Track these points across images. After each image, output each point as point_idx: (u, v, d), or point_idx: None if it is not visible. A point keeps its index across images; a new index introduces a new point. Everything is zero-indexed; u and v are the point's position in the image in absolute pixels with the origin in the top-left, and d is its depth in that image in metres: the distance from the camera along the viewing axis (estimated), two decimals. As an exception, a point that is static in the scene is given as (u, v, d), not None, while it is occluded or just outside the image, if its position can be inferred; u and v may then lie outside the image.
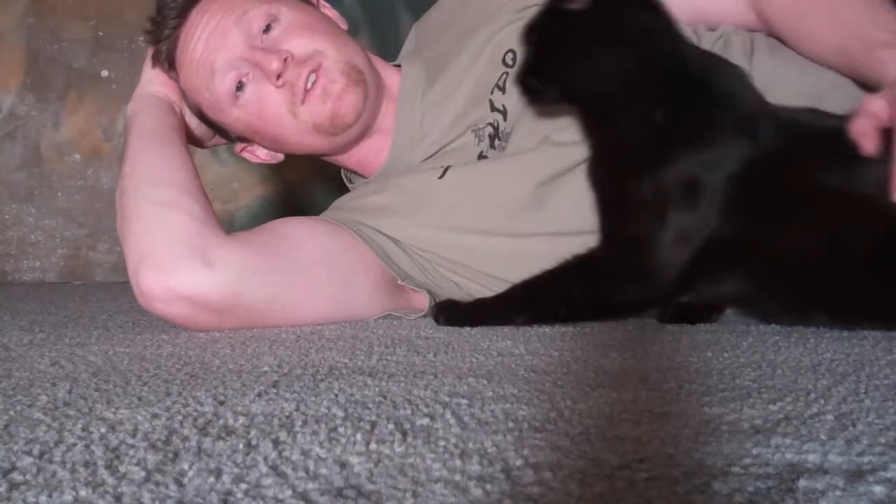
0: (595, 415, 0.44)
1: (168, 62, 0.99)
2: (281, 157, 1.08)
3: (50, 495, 0.33)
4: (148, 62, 1.01)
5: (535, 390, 0.51)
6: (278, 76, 0.94)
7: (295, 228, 0.94)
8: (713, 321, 0.86)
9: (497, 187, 0.96)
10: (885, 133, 0.70)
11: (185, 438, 0.41)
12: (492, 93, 1.00)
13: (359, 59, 1.00)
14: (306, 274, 0.90)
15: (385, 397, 0.50)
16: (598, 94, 0.84)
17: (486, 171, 0.98)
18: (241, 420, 0.44)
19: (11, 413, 0.47)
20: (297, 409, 0.47)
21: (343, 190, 1.16)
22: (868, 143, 0.70)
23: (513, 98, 0.98)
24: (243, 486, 0.33)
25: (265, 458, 0.37)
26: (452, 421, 0.43)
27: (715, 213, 0.76)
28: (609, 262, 0.81)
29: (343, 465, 0.36)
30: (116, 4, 2.12)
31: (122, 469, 0.36)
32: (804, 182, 0.74)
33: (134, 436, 0.41)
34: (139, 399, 0.51)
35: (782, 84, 0.89)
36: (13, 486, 0.34)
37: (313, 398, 0.50)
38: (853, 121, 0.72)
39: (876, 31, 0.81)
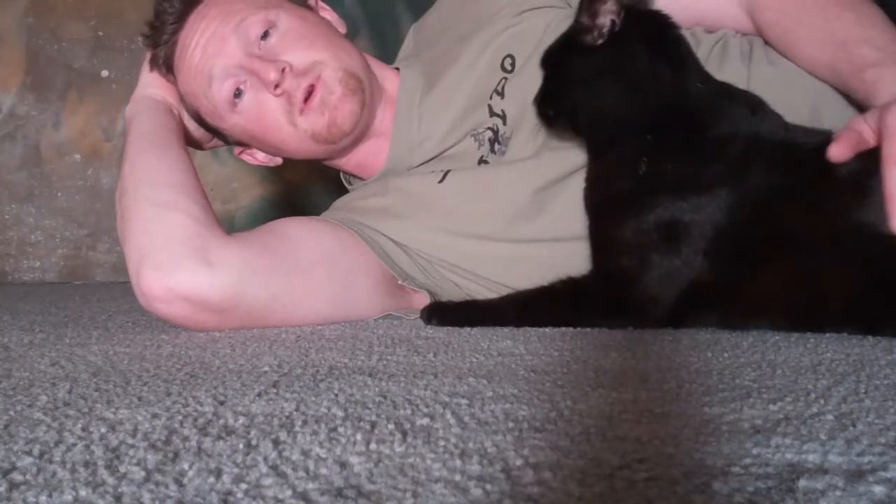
0: (595, 415, 0.44)
1: (166, 66, 0.99)
2: (279, 160, 1.08)
3: (50, 495, 0.33)
4: (146, 65, 1.01)
5: (535, 390, 0.51)
6: (276, 86, 0.94)
7: (295, 228, 0.94)
8: None
9: (496, 193, 0.96)
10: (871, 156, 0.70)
11: (185, 438, 0.41)
12: (490, 98, 0.99)
13: (357, 66, 1.00)
14: (307, 274, 0.90)
15: (385, 397, 0.50)
16: (596, 130, 0.86)
17: (485, 176, 0.98)
18: (241, 420, 0.44)
19: (11, 413, 0.47)
20: (297, 409, 0.47)
21: (343, 190, 1.16)
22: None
23: (512, 103, 0.98)
24: (243, 486, 0.33)
25: (265, 458, 0.37)
26: (452, 421, 0.43)
27: (699, 257, 0.75)
28: (597, 293, 0.82)
29: (343, 465, 0.36)
30: (116, 4, 2.12)
31: (122, 469, 0.36)
32: (789, 225, 0.73)
33: (134, 436, 0.41)
34: (139, 399, 0.51)
35: (780, 88, 0.89)
36: (13, 486, 0.34)
37: (313, 398, 0.50)
38: (835, 141, 0.71)
39: (864, 50, 0.81)
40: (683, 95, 0.82)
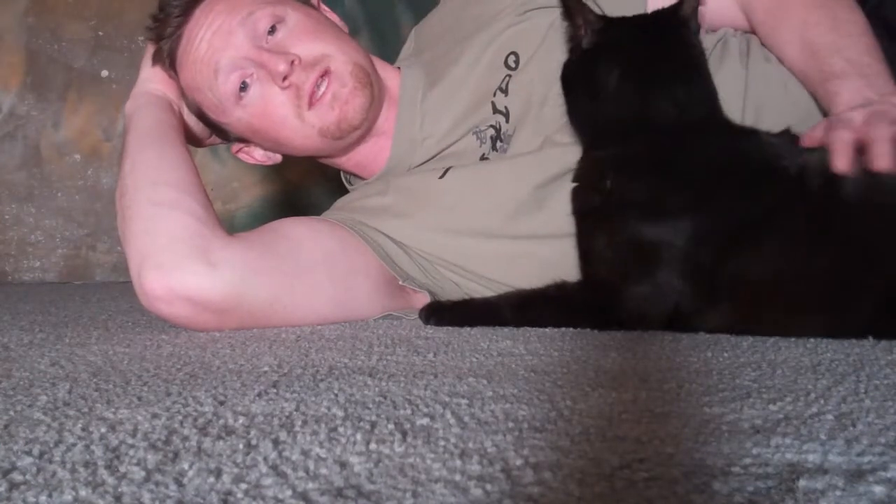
0: (595, 415, 0.44)
1: (169, 60, 0.99)
2: (278, 158, 1.07)
3: (50, 495, 0.33)
4: (147, 60, 1.01)
5: (535, 390, 0.51)
6: (284, 78, 0.94)
7: (296, 229, 0.94)
8: None
9: (497, 188, 0.96)
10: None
11: (185, 438, 0.41)
12: (494, 95, 1.00)
13: (364, 61, 1.00)
14: (307, 274, 0.90)
15: (385, 397, 0.50)
16: (576, 133, 0.88)
17: (485, 171, 0.98)
18: (241, 420, 0.44)
19: (11, 413, 0.47)
20: (297, 409, 0.47)
21: (343, 190, 1.16)
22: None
23: (515, 100, 0.98)
24: (243, 486, 0.33)
25: (265, 458, 0.37)
26: (452, 421, 0.43)
27: (677, 281, 0.75)
28: (587, 302, 0.82)
29: (343, 465, 0.36)
30: (116, 4, 2.12)
31: (122, 469, 0.36)
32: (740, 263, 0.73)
33: (134, 436, 0.41)
34: (139, 399, 0.51)
35: (778, 84, 0.90)
36: (13, 486, 0.34)
37: (313, 398, 0.50)
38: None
39: (833, 60, 0.82)
40: (648, 117, 0.81)
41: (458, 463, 0.36)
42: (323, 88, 0.96)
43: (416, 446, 0.39)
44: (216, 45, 0.95)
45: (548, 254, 0.93)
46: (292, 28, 0.97)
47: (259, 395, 0.51)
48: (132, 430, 0.43)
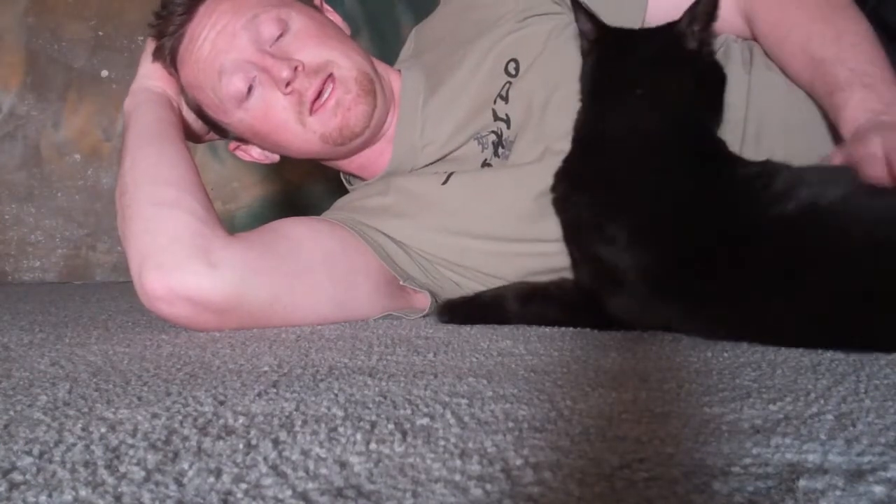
0: (595, 415, 0.44)
1: (171, 57, 0.99)
2: (276, 157, 1.07)
3: (50, 495, 0.33)
4: (147, 56, 1.01)
5: (535, 390, 0.51)
6: (287, 84, 0.94)
7: (296, 229, 0.94)
8: None
9: (499, 196, 0.96)
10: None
11: (185, 438, 0.41)
12: (494, 102, 0.99)
13: (369, 67, 1.00)
14: (308, 274, 0.89)
15: (385, 397, 0.50)
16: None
17: (488, 179, 0.98)
18: (241, 420, 0.44)
19: (11, 413, 0.47)
20: (297, 409, 0.47)
21: (343, 190, 1.16)
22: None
23: (516, 107, 0.98)
24: (243, 486, 0.33)
25: (265, 458, 0.37)
26: (452, 421, 0.43)
27: (645, 295, 0.74)
28: (582, 304, 0.82)
29: (343, 465, 0.36)
30: (116, 4, 2.12)
31: (122, 469, 0.36)
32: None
33: (134, 436, 0.41)
34: (139, 399, 0.51)
35: (781, 92, 0.89)
36: (13, 486, 0.34)
37: (313, 398, 0.50)
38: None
39: (837, 70, 0.81)
40: (600, 132, 0.81)
41: (458, 463, 0.36)
42: (327, 94, 0.96)
43: (416, 446, 0.39)
44: (220, 47, 0.95)
45: (553, 253, 0.93)
46: (296, 33, 0.96)
47: (259, 395, 0.51)
48: (132, 430, 0.43)
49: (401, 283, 0.96)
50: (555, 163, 0.94)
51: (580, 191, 0.80)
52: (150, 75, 1.00)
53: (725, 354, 0.63)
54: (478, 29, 1.03)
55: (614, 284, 0.75)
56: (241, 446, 0.39)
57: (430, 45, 1.11)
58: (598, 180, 0.79)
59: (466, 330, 0.83)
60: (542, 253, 0.94)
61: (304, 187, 2.17)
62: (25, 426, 0.44)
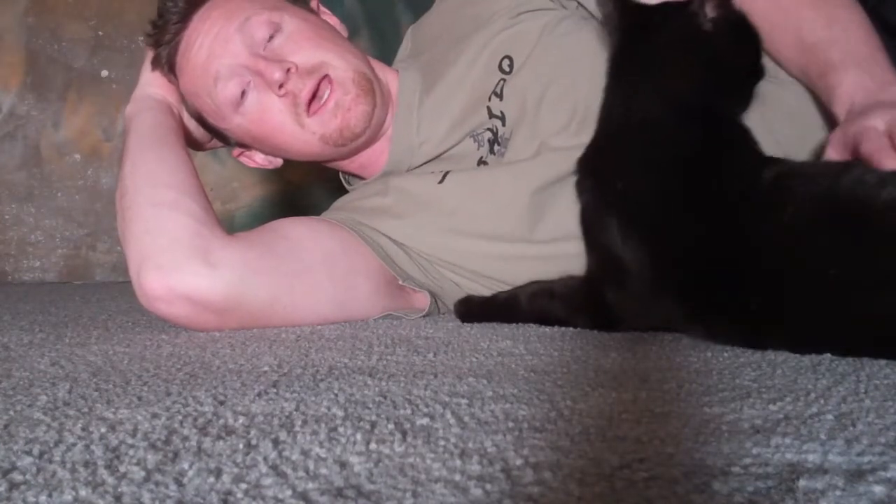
0: (595, 415, 0.44)
1: (168, 66, 0.99)
2: (279, 162, 1.07)
3: (50, 495, 0.33)
4: (147, 64, 1.01)
5: (535, 390, 0.51)
6: (280, 86, 0.94)
7: (296, 229, 0.94)
8: None
9: (496, 194, 0.96)
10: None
11: (185, 438, 0.41)
12: (489, 100, 0.99)
13: (365, 67, 1.00)
14: (307, 274, 0.90)
15: (385, 397, 0.50)
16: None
17: (484, 177, 0.98)
18: (241, 420, 0.44)
19: (11, 413, 0.47)
20: (297, 409, 0.47)
21: (343, 190, 1.16)
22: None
23: (511, 104, 0.98)
24: (243, 486, 0.33)
25: (265, 458, 0.37)
26: (452, 421, 0.43)
27: (657, 296, 0.72)
28: (586, 300, 0.81)
29: (343, 465, 0.36)
30: (116, 4, 2.12)
31: (122, 469, 0.36)
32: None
33: (134, 436, 0.41)
34: (139, 399, 0.51)
35: (779, 90, 0.89)
36: (13, 486, 0.34)
37: (313, 398, 0.50)
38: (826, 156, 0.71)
39: (830, 53, 0.80)
40: (610, 119, 0.79)
41: (458, 463, 0.36)
42: (326, 96, 0.96)
43: (416, 446, 0.39)
44: (215, 52, 0.96)
45: (550, 255, 0.93)
46: (289, 34, 0.97)
47: (259, 395, 0.51)
48: (132, 430, 0.43)
49: (400, 282, 0.96)
50: (550, 159, 0.94)
51: (590, 177, 0.79)
52: (151, 83, 1.00)
53: (725, 354, 0.63)
54: (473, 25, 1.04)
55: (615, 276, 0.75)
56: (241, 446, 0.39)
57: (426, 44, 1.11)
58: (604, 167, 0.78)
59: (466, 330, 0.83)
60: (538, 256, 0.94)
61: (304, 187, 2.17)
62: (25, 426, 0.44)
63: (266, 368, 0.61)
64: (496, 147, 0.99)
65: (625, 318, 0.77)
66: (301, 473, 0.35)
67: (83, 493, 0.33)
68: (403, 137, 1.03)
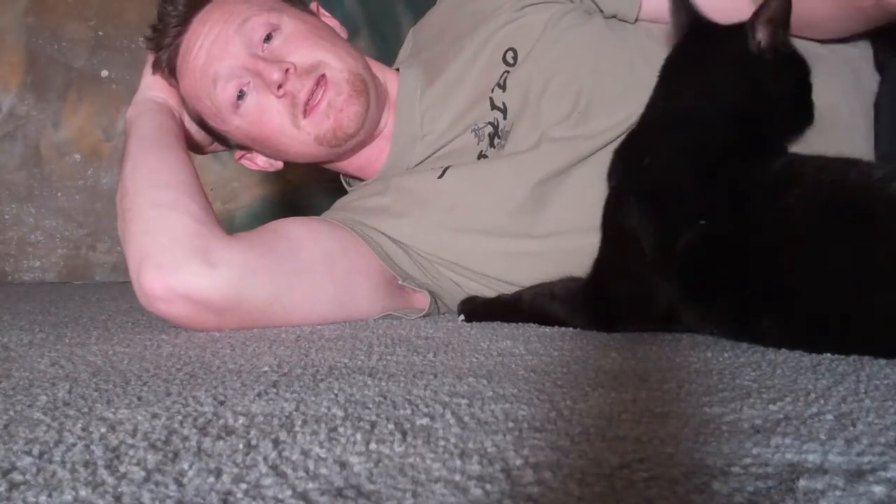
0: (595, 415, 0.44)
1: (169, 69, 0.99)
2: (280, 164, 1.08)
3: (50, 495, 0.33)
4: (148, 68, 1.01)
5: (535, 390, 0.51)
6: (279, 86, 0.94)
7: (296, 229, 0.94)
8: None
9: (496, 187, 0.96)
10: None
11: (185, 438, 0.41)
12: (492, 91, 1.00)
13: (361, 68, 1.00)
14: (307, 274, 0.90)
15: (385, 397, 0.50)
16: None
17: (484, 171, 0.98)
18: (241, 420, 0.44)
19: (11, 413, 0.47)
20: (297, 409, 0.47)
21: (343, 190, 1.16)
22: None
23: (513, 95, 0.98)
24: (243, 486, 0.33)
25: (265, 458, 0.37)
26: (452, 421, 0.43)
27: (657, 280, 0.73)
28: (586, 300, 0.82)
29: (343, 465, 0.36)
30: (116, 4, 2.12)
31: (122, 469, 0.36)
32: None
33: (134, 436, 0.41)
34: (139, 399, 0.51)
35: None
36: (13, 486, 0.34)
37: (313, 398, 0.50)
38: None
39: None
40: (648, 115, 0.81)
41: (458, 463, 0.36)
42: (319, 96, 0.96)
43: (416, 446, 0.39)
44: (214, 55, 0.96)
45: (549, 252, 0.93)
46: (288, 35, 0.97)
47: (259, 395, 0.51)
48: (132, 430, 0.43)
49: (400, 282, 0.96)
50: (551, 149, 0.95)
51: (620, 161, 0.80)
52: (152, 86, 1.00)
53: (725, 354, 0.63)
54: (474, 21, 1.04)
55: (623, 254, 0.76)
56: (241, 446, 0.39)
57: (427, 43, 1.11)
58: (636, 150, 0.79)
59: (466, 330, 0.83)
60: (538, 252, 0.94)
61: (304, 187, 2.17)
62: (25, 426, 0.44)
63: (266, 368, 0.61)
64: (496, 140, 0.99)
65: (623, 312, 0.78)
66: (301, 473, 0.35)
67: (83, 493, 0.33)
68: (406, 131, 1.03)
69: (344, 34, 1.07)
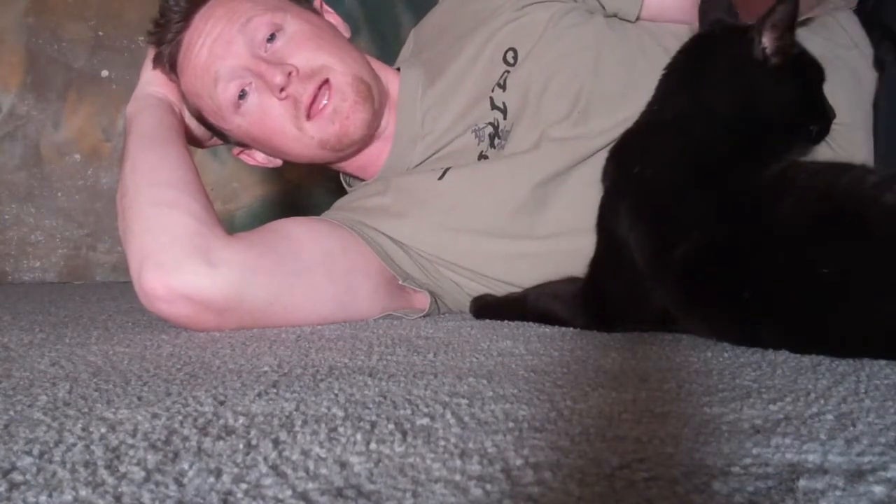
0: (595, 415, 0.44)
1: (170, 65, 0.99)
2: (279, 161, 1.08)
3: (50, 495, 0.33)
4: (148, 63, 1.01)
5: (535, 390, 0.51)
6: (281, 89, 0.94)
7: (296, 229, 0.94)
8: None
9: (496, 187, 0.96)
10: None
11: (185, 438, 0.41)
12: (492, 91, 1.00)
13: (364, 72, 1.00)
14: (308, 274, 0.90)
15: (385, 397, 0.50)
16: None
17: (484, 171, 0.98)
18: (241, 420, 0.44)
19: (11, 413, 0.47)
20: (297, 409, 0.47)
21: (343, 190, 1.16)
22: None
23: (514, 94, 0.98)
24: (243, 486, 0.33)
25: (265, 458, 0.37)
26: (452, 421, 0.43)
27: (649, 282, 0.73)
28: (585, 300, 0.82)
29: (343, 465, 0.36)
30: (116, 4, 2.12)
31: (122, 469, 0.36)
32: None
33: (134, 436, 0.41)
34: (139, 399, 0.51)
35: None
36: (13, 486, 0.34)
37: (313, 398, 0.50)
38: None
39: None
40: (646, 116, 0.81)
41: (458, 463, 0.36)
42: (324, 101, 0.95)
43: (416, 446, 0.39)
44: (216, 53, 0.96)
45: (549, 253, 0.93)
46: (291, 36, 0.96)
47: (259, 395, 0.51)
48: (132, 430, 0.43)
49: (400, 282, 0.96)
50: (550, 150, 0.95)
51: (613, 162, 0.80)
52: (152, 82, 1.00)
53: (725, 354, 0.63)
54: (475, 20, 1.04)
55: (617, 259, 0.75)
56: (241, 446, 0.39)
57: (428, 43, 1.11)
58: (628, 154, 0.79)
59: (466, 330, 0.83)
60: (538, 253, 0.94)
61: (304, 187, 2.17)
62: (25, 426, 0.44)
63: (266, 368, 0.61)
64: (496, 141, 0.99)
65: (621, 313, 0.78)
66: (301, 473, 0.35)
67: (83, 493, 0.33)
68: (407, 131, 1.03)
69: (347, 32, 1.07)
